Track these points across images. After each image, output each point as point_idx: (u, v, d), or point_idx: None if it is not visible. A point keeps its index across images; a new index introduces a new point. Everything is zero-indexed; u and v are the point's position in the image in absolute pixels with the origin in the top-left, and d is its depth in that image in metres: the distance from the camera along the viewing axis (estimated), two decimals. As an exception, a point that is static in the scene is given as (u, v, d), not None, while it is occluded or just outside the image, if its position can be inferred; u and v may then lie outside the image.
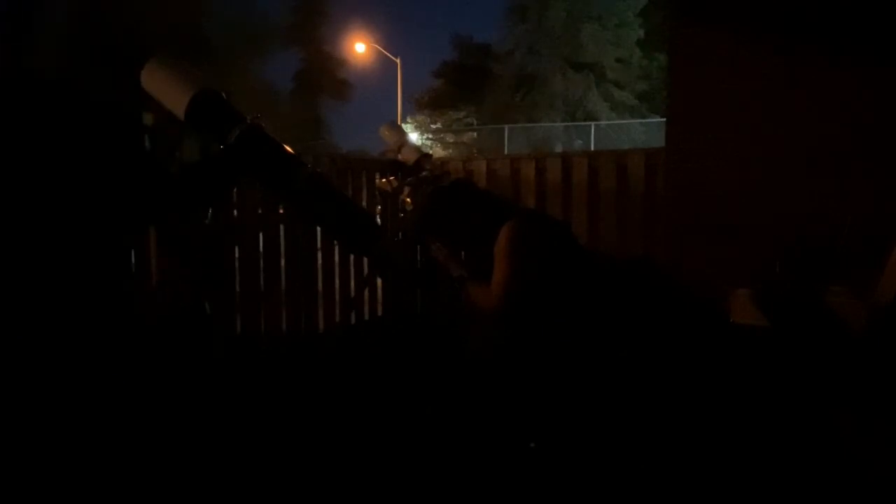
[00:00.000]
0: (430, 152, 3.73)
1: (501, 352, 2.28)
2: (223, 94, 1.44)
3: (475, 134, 22.10)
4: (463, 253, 2.37)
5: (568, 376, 2.25)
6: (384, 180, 2.83)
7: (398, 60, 21.13)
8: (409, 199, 2.78)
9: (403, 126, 15.17)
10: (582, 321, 2.28)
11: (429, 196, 2.42)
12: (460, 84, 22.86)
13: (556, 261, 2.27)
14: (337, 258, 3.53)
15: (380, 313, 3.84)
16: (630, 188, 3.68)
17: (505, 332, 2.24)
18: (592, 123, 19.57)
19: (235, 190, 2.80)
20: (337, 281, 3.53)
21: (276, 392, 2.73)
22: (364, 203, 3.66)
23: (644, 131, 18.69)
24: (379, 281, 3.78)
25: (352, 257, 3.60)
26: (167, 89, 1.43)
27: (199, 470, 1.72)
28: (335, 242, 3.34)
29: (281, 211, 3.13)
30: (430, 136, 23.10)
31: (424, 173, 2.84)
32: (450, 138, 22.83)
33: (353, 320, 3.66)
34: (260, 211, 3.03)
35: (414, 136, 21.27)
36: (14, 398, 1.13)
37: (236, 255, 2.89)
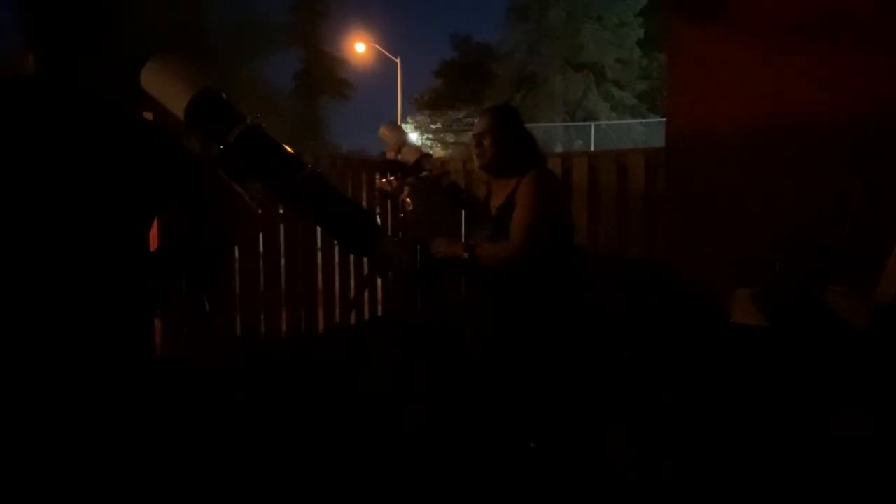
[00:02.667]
0: (430, 152, 3.72)
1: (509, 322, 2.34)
2: (223, 94, 1.44)
3: (475, 134, 22.03)
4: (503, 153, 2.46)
5: (569, 366, 2.26)
6: (384, 180, 2.82)
7: (398, 60, 21.13)
8: (409, 199, 2.77)
9: (403, 126, 15.15)
10: (582, 303, 2.33)
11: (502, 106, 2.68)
12: (460, 84, 22.84)
13: (568, 215, 2.49)
14: (337, 258, 3.53)
15: (380, 313, 3.83)
16: (630, 188, 3.68)
17: (518, 288, 2.30)
18: (592, 123, 19.55)
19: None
20: (337, 281, 3.52)
21: (275, 392, 2.73)
22: (364, 203, 3.66)
23: (644, 131, 18.68)
24: (379, 281, 3.78)
25: (352, 257, 3.60)
26: (167, 89, 1.43)
27: (198, 471, 1.72)
28: (335, 242, 3.34)
29: (281, 211, 3.13)
30: (430, 136, 23.09)
31: (424, 173, 2.83)
32: (450, 138, 22.81)
33: (353, 320, 3.66)
34: (260, 211, 3.03)
35: (414, 136, 21.26)
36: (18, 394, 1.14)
37: (236, 255, 2.89)
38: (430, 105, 23.86)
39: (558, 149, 17.49)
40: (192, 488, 1.56)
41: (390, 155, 3.05)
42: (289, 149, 1.46)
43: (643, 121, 19.31)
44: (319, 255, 3.41)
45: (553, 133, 19.97)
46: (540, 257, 2.29)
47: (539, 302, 2.30)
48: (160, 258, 1.43)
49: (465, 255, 2.39)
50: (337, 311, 3.52)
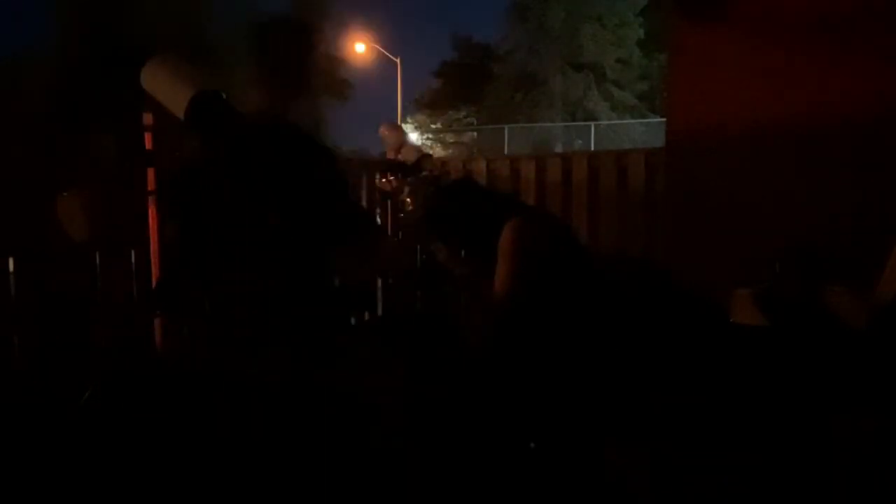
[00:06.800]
0: (430, 152, 3.73)
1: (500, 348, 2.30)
2: (223, 95, 1.44)
3: (475, 134, 22.08)
4: (463, 252, 2.37)
5: (565, 380, 2.26)
6: (384, 180, 2.83)
7: (398, 60, 21.12)
8: (409, 199, 2.78)
9: (403, 126, 15.15)
10: (580, 329, 2.30)
11: (433, 194, 2.40)
12: (460, 84, 22.83)
13: (558, 263, 2.25)
14: (337, 258, 3.52)
15: (380, 313, 3.83)
16: (630, 188, 3.68)
17: (504, 331, 2.25)
18: (592, 123, 19.55)
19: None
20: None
21: (275, 392, 2.72)
22: (364, 203, 3.66)
23: (644, 131, 18.68)
24: (379, 281, 3.78)
25: (352, 257, 3.59)
26: (167, 89, 1.43)
27: (199, 472, 1.72)
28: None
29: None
30: (430, 136, 23.09)
31: (424, 173, 2.85)
32: (450, 138, 22.81)
33: (353, 320, 3.66)
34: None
35: (414, 136, 21.25)
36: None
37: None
38: (429, 105, 23.85)
39: (558, 149, 17.49)
40: (189, 489, 1.57)
41: (390, 155, 3.06)
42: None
43: (643, 121, 19.31)
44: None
45: (553, 133, 19.98)
46: (525, 311, 2.18)
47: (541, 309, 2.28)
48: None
49: (459, 273, 2.33)
50: (337, 311, 3.52)
